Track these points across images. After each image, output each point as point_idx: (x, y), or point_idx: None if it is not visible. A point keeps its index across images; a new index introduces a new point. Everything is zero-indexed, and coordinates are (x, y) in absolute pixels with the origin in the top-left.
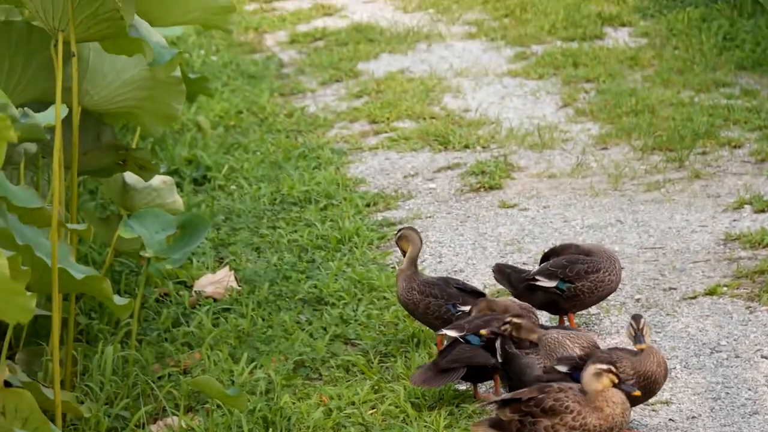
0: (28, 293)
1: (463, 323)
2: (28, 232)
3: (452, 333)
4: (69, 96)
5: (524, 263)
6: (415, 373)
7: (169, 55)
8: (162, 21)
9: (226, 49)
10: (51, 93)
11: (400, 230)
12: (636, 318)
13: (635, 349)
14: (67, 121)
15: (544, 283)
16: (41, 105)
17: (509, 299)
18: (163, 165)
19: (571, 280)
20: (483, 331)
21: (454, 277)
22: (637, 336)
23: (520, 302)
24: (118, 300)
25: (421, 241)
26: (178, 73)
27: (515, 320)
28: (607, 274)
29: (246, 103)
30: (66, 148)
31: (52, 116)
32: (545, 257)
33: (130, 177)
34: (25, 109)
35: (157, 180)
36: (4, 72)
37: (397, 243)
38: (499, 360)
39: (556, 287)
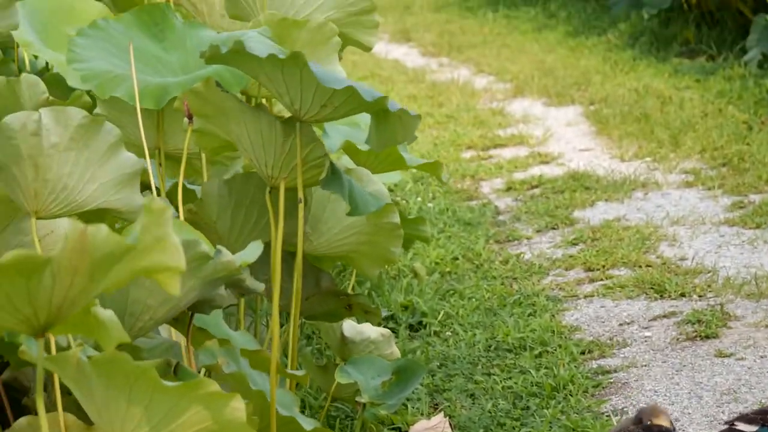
0: None
1: None
2: (258, 378)
3: None
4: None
5: (740, 413)
6: None
7: (374, 206)
8: (376, 169)
9: (442, 196)
10: (283, 239)
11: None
12: None
13: None
14: (288, 267)
15: (744, 427)
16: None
17: None
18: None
19: None
20: None
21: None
22: None
23: None
24: None
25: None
26: (396, 218)
27: None
28: None
29: (462, 249)
30: (285, 293)
31: (250, 255)
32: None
33: (348, 329)
34: (219, 247)
35: (375, 332)
36: (239, 222)
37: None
38: None
39: None
